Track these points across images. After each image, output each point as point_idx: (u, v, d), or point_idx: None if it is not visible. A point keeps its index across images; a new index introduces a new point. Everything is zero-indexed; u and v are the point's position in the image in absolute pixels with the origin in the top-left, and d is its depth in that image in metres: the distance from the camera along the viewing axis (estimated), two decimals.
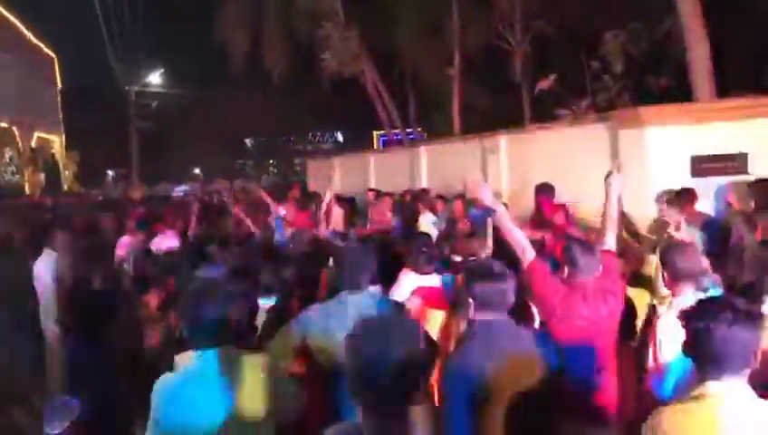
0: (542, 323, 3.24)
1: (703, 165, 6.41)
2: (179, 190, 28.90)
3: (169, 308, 3.87)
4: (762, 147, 6.25)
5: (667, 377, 2.74)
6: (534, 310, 3.41)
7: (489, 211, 3.25)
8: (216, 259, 5.00)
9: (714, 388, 1.83)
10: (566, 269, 3.00)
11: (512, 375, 2.39)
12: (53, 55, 29.66)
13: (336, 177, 13.36)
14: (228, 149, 53.91)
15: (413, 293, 3.55)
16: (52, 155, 28.41)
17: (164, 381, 2.12)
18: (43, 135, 26.78)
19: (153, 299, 4.08)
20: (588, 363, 2.92)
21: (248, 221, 6.32)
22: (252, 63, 18.87)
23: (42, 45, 28.02)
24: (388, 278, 3.79)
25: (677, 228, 4.94)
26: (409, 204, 8.69)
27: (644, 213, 5.86)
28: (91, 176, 36.17)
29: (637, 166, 6.36)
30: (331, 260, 4.16)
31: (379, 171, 13.10)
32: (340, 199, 8.68)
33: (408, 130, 21.00)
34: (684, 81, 8.83)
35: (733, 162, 6.34)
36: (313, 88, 19.88)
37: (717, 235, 5.11)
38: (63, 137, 30.03)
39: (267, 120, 46.66)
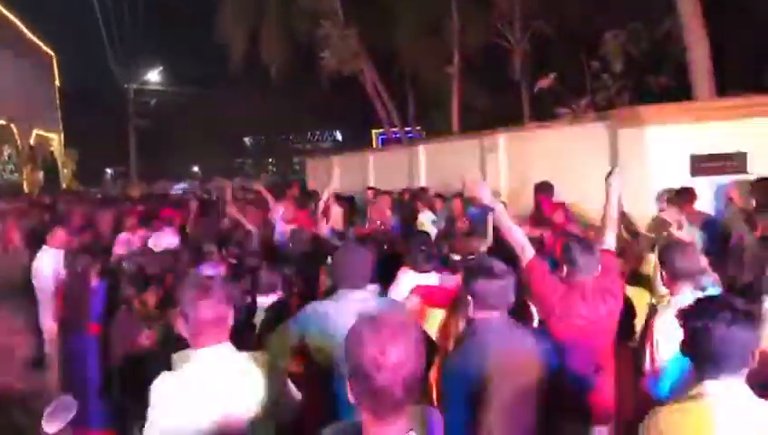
0: (540, 322, 3.24)
1: (702, 164, 6.42)
2: (178, 188, 28.86)
3: (168, 306, 3.86)
4: (761, 146, 6.26)
5: (663, 376, 2.74)
6: (533, 309, 3.41)
7: (488, 210, 3.25)
8: (214, 257, 5.00)
9: (711, 387, 1.82)
10: (565, 268, 3.00)
11: (511, 374, 2.39)
12: (52, 54, 29.58)
13: (335, 175, 13.34)
14: (227, 147, 53.88)
15: (412, 291, 3.54)
16: (51, 153, 28.32)
17: (162, 380, 2.11)
18: (42, 133, 26.69)
19: (151, 297, 4.07)
20: (586, 363, 2.91)
21: (243, 220, 6.30)
22: (251, 62, 18.86)
23: (41, 44, 27.93)
24: (386, 277, 3.79)
25: (679, 227, 4.95)
26: (408, 202, 8.69)
27: (644, 212, 5.87)
28: (89, 174, 36.12)
29: (636, 165, 6.37)
30: (329, 259, 4.16)
31: (378, 170, 13.10)
32: (339, 198, 8.67)
33: (407, 128, 21.01)
34: (683, 80, 8.83)
35: (732, 161, 6.35)
36: (312, 87, 19.88)
37: (717, 234, 5.12)
38: (62, 135, 29.95)
39: (266, 118, 46.65)
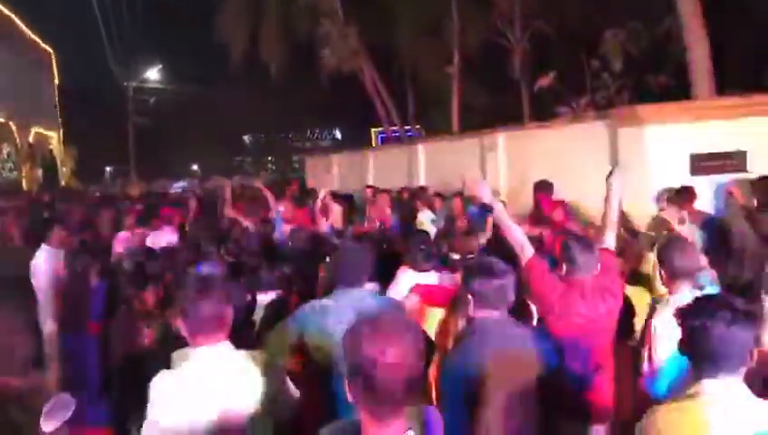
0: (539, 321, 3.24)
1: (702, 163, 6.42)
2: (177, 187, 28.83)
3: (167, 305, 3.85)
4: (760, 145, 6.26)
5: (661, 375, 2.74)
6: (533, 307, 3.40)
7: (487, 208, 3.24)
8: (213, 255, 4.99)
9: (710, 386, 1.82)
10: (564, 266, 2.99)
11: (510, 373, 2.39)
12: (52, 52, 29.56)
13: (334, 174, 13.36)
14: (227, 146, 53.89)
15: (411, 290, 3.54)
16: (50, 151, 28.29)
17: (161, 379, 2.11)
18: (41, 131, 26.66)
19: (150, 296, 4.05)
20: (585, 361, 2.91)
21: (241, 218, 6.30)
22: (251, 60, 18.85)
23: (40, 42, 27.89)
24: (386, 276, 3.79)
25: (681, 222, 4.96)
26: (408, 201, 8.68)
27: (643, 211, 5.87)
28: (89, 172, 36.12)
29: (636, 164, 6.37)
30: (328, 257, 4.16)
31: (377, 169, 13.09)
32: (338, 197, 8.66)
33: (407, 127, 21.01)
34: (683, 80, 8.84)
35: (732, 160, 6.36)
36: (312, 85, 19.89)
37: (717, 233, 5.12)
38: (61, 133, 29.93)
39: (266, 117, 46.64)
